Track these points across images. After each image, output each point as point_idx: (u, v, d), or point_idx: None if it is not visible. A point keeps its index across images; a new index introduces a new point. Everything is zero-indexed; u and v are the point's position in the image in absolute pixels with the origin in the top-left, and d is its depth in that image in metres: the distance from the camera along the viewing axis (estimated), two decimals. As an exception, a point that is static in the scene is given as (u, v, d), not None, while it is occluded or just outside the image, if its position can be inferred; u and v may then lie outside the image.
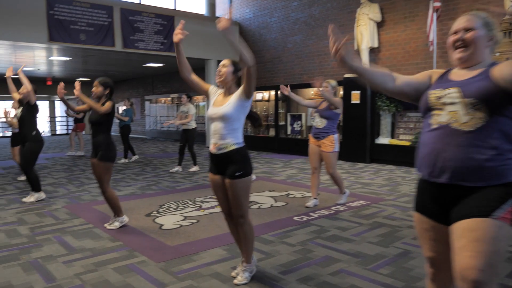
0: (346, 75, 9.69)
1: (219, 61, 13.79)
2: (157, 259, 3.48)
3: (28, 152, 5.59)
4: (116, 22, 11.00)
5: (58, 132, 25.02)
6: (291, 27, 12.45)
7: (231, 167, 2.83)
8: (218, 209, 4.81)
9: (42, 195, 5.77)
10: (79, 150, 11.88)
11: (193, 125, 8.31)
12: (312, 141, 5.17)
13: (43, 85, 21.66)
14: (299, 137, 11.67)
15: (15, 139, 7.41)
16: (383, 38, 9.98)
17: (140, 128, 20.57)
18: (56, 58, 13.15)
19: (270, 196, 5.88)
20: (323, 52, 11.49)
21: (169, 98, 17.86)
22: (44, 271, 3.23)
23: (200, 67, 13.77)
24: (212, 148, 2.91)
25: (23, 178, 7.16)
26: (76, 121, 11.84)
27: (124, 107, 10.44)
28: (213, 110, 2.93)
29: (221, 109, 2.86)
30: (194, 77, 3.07)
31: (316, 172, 5.17)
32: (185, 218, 4.78)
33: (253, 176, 6.71)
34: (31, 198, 5.69)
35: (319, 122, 5.07)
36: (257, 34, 13.56)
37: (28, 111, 5.71)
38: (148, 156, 11.37)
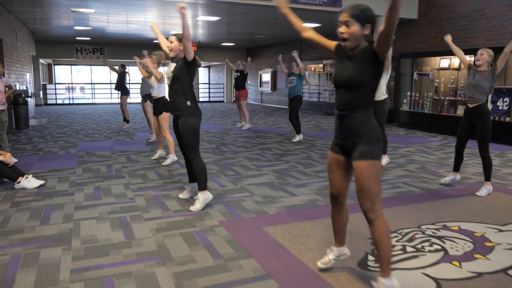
0: None
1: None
2: None
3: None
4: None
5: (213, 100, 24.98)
6: (507, -34, 8.96)
7: None
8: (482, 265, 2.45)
9: (208, 196, 4.09)
10: (245, 122, 10.50)
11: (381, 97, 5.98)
12: None
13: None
14: (508, 119, 8.45)
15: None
16: None
17: (284, 97, 18.86)
18: (204, 18, 11.81)
19: None
20: None
21: (321, 65, 15.61)
22: None
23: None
24: None
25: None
26: (238, 87, 10.44)
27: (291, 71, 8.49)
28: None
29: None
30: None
31: None
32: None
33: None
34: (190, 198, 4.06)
35: None
36: (449, -19, 10.29)
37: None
38: (305, 134, 9.35)
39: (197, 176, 3.94)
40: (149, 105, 8.16)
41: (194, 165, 3.93)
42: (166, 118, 6.01)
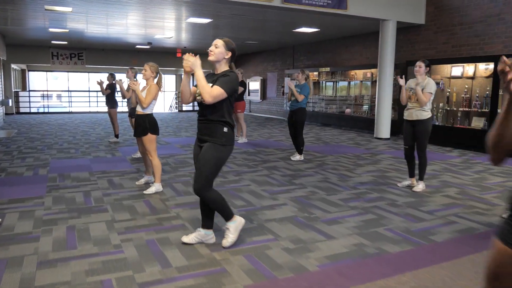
0: None
1: (400, 22, 10.16)
2: None
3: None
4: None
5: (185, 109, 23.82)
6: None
7: None
8: None
9: (239, 221, 3.03)
10: (242, 135, 9.49)
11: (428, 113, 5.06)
12: None
13: (173, 57, 20.20)
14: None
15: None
16: None
17: (274, 107, 17.90)
18: (194, 20, 10.76)
19: None
20: None
21: (316, 73, 14.71)
22: None
23: (372, 30, 10.58)
24: None
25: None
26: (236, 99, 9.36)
27: (295, 81, 7.44)
28: None
29: None
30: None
31: None
32: None
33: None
34: None
35: None
36: (461, -17, 9.55)
37: None
38: (309, 149, 8.35)
39: (216, 209, 3.13)
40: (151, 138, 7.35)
41: (207, 198, 3.09)
42: (153, 139, 4.86)
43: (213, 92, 2.86)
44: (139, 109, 4.88)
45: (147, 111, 4.86)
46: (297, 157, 7.23)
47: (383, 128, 10.41)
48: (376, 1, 9.55)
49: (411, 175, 5.34)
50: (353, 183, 5.47)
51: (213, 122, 2.98)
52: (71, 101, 20.60)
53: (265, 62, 18.61)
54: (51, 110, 21.13)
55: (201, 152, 3.03)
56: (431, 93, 4.92)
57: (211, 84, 2.94)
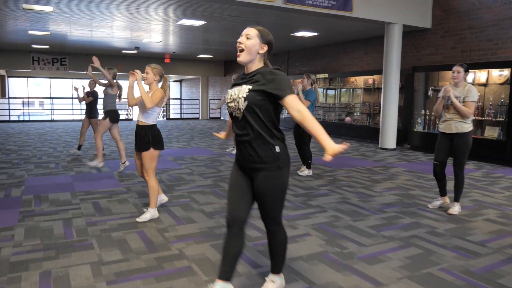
0: None
1: (407, 26, 9.60)
2: None
3: None
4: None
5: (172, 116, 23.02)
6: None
7: None
8: None
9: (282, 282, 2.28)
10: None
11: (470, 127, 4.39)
12: None
13: (161, 62, 19.43)
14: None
15: None
16: None
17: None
18: (187, 22, 10.03)
19: None
20: None
21: (312, 80, 14.07)
22: None
23: (374, 35, 9.62)
24: None
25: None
26: None
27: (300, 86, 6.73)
28: None
29: None
30: None
31: None
32: None
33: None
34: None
35: None
36: (471, -16, 9.04)
37: None
38: (315, 162, 7.64)
39: (276, 253, 2.44)
40: (105, 125, 6.61)
41: (277, 240, 2.37)
42: (155, 156, 4.06)
43: (297, 106, 2.13)
44: (140, 119, 4.04)
45: (150, 121, 4.04)
46: (305, 171, 6.51)
47: (389, 138, 9.78)
48: (381, 3, 8.97)
49: (443, 193, 4.67)
50: (378, 205, 4.78)
51: (261, 143, 2.22)
52: (53, 109, 19.60)
53: (258, 68, 17.91)
54: (32, 118, 20.07)
55: (256, 187, 2.26)
56: (474, 101, 4.25)
57: (244, 95, 2.19)
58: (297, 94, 6.43)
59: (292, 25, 10.31)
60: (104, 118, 6.61)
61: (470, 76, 8.83)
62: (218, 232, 3.73)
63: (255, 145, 2.19)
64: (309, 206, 4.64)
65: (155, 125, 4.08)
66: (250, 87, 2.18)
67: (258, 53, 2.24)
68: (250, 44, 2.21)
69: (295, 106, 2.10)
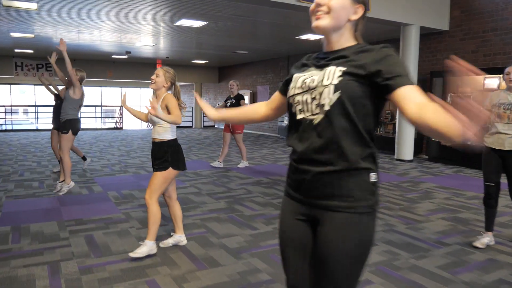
0: None
1: (424, 28, 8.91)
2: None
3: None
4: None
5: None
6: None
7: None
8: None
9: None
10: (242, 159, 7.92)
11: None
12: None
13: (153, 68, 18.54)
14: None
15: None
16: None
17: (266, 123, 16.41)
18: (186, 22, 9.20)
19: None
20: None
21: (315, 86, 13.34)
22: None
23: (392, 37, 8.81)
24: None
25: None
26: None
27: None
28: None
29: None
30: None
31: None
32: None
33: None
34: None
35: None
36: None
37: None
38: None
39: None
40: (70, 138, 5.34)
41: None
42: (170, 178, 3.23)
43: (416, 97, 1.24)
44: (156, 136, 3.23)
45: (168, 136, 3.23)
46: None
47: (406, 148, 9.04)
48: (398, 3, 8.28)
49: (491, 227, 3.73)
50: (432, 234, 3.97)
51: (348, 165, 1.32)
52: (38, 117, 18.52)
53: (255, 74, 17.15)
54: (15, 127, 18.96)
55: (324, 239, 1.35)
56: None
57: (335, 81, 1.31)
58: None
59: (298, 27, 9.55)
60: (64, 132, 5.29)
61: (495, 82, 8.17)
62: (253, 280, 2.87)
63: (337, 168, 1.32)
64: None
65: (175, 140, 3.29)
66: (344, 68, 1.32)
67: (349, 19, 1.40)
68: (337, 4, 1.36)
69: (414, 99, 1.24)
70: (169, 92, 3.31)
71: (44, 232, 3.86)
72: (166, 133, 3.23)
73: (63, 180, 5.52)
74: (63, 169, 5.47)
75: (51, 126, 6.75)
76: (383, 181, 6.64)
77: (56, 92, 6.78)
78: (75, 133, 5.41)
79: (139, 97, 27.47)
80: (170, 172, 3.20)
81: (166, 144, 3.22)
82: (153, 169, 3.26)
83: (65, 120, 5.35)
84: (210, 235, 3.84)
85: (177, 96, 3.33)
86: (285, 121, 14.55)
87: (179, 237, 3.52)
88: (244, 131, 17.04)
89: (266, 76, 16.44)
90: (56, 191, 5.48)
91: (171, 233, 3.61)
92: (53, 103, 6.78)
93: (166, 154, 3.19)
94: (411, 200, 5.37)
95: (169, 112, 3.16)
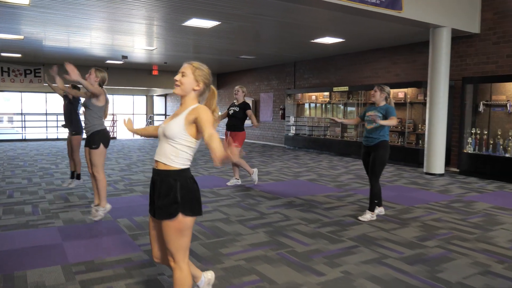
0: None
1: (454, 30, 8.20)
2: None
3: None
4: None
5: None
6: None
7: None
8: None
9: None
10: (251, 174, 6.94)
11: None
12: None
13: (147, 75, 17.71)
14: None
15: None
16: None
17: (270, 133, 15.58)
18: (197, 22, 8.33)
19: None
20: None
21: (326, 94, 12.57)
22: None
23: (420, 40, 7.92)
24: None
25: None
26: (232, 127, 6.75)
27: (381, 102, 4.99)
28: None
29: None
30: None
31: None
32: None
33: None
34: None
35: None
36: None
37: None
38: (367, 194, 5.98)
39: None
40: (102, 153, 4.57)
41: None
42: (187, 228, 2.15)
43: None
44: (162, 159, 2.16)
45: (179, 163, 2.16)
46: (368, 215, 4.83)
47: (437, 161, 8.26)
48: (430, 4, 7.56)
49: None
50: (543, 278, 3.14)
51: None
52: (25, 126, 17.39)
53: (258, 81, 16.33)
54: (0, 137, 17.81)
55: None
56: None
57: None
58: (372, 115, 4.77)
59: (312, 27, 8.73)
60: (94, 146, 4.48)
61: (536, 89, 7.47)
62: None
63: None
64: (441, 284, 2.95)
65: (187, 169, 2.20)
66: None
67: None
68: None
69: None
70: (203, 95, 2.33)
71: (46, 283, 2.92)
72: (178, 159, 2.15)
73: (98, 204, 4.61)
74: (98, 190, 4.56)
75: (40, 136, 5.86)
76: (428, 200, 5.82)
77: (64, 93, 6.02)
78: (106, 145, 4.57)
79: (131, 105, 26.46)
80: (182, 220, 2.12)
81: (175, 173, 2.15)
82: (151, 211, 2.25)
83: (92, 133, 4.50)
84: (267, 284, 2.94)
85: (212, 106, 2.32)
86: (292, 131, 13.74)
87: None
88: (246, 140, 16.07)
89: (270, 83, 15.62)
90: (92, 216, 4.58)
91: None
92: (58, 106, 5.87)
93: (173, 190, 2.12)
94: (479, 226, 4.56)
95: (198, 130, 2.17)
